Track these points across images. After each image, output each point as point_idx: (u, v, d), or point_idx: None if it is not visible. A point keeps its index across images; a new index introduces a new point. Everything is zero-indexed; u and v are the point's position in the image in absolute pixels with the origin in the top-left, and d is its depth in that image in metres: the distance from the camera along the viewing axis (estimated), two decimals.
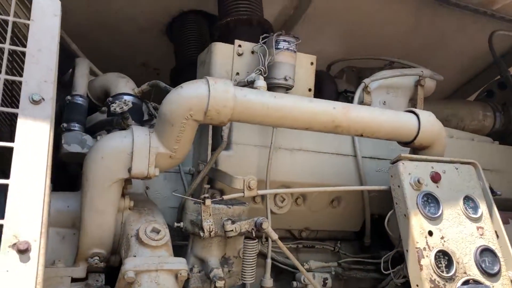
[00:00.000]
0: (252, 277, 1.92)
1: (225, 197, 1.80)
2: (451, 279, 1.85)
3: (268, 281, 2.06)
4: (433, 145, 2.15)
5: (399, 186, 1.98)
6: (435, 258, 1.86)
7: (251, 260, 1.83)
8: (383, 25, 3.58)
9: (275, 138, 2.16)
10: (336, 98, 2.85)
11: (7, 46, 1.36)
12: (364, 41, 3.71)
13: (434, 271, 1.84)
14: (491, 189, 2.22)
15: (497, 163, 2.84)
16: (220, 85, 1.72)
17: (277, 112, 1.82)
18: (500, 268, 1.95)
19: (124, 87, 2.19)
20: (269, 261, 2.09)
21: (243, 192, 1.81)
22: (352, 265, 2.47)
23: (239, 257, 1.91)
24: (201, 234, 1.74)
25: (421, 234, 1.89)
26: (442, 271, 1.85)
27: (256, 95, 1.80)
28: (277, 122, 1.86)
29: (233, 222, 1.78)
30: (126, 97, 2.11)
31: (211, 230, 1.74)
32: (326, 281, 2.24)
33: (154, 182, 2.20)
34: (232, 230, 1.76)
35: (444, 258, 1.89)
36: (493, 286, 1.90)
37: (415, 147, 2.15)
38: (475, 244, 1.96)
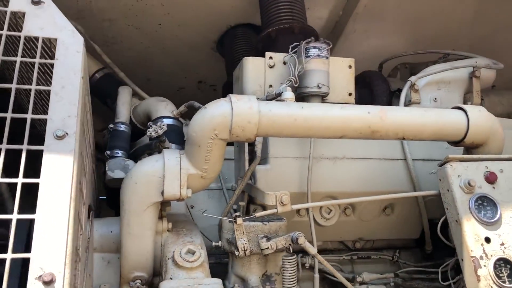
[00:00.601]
0: None
1: (257, 214, 1.78)
2: None
3: None
4: (488, 142, 1.96)
5: (448, 190, 1.83)
6: (495, 267, 1.69)
7: (290, 277, 1.78)
8: (442, 15, 3.35)
9: (315, 148, 2.10)
10: (389, 99, 2.71)
11: (33, 87, 1.45)
12: (423, 34, 3.50)
13: (494, 282, 1.67)
14: None
15: None
16: (243, 101, 1.70)
17: (306, 122, 1.77)
18: None
19: (163, 110, 2.26)
20: (316, 276, 2.03)
21: (276, 208, 1.77)
22: (413, 274, 2.32)
23: (281, 273, 1.87)
24: (236, 253, 1.73)
25: (476, 241, 1.73)
26: (504, 282, 1.67)
27: (281, 108, 1.76)
28: (308, 133, 1.80)
29: (268, 239, 1.75)
30: (164, 120, 2.17)
31: (245, 248, 1.72)
32: None
33: (198, 200, 2.24)
34: (268, 248, 1.73)
35: (506, 266, 1.71)
36: None
37: (467, 146, 1.97)
38: None
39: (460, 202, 1.78)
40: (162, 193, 1.71)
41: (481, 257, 1.70)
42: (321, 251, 2.36)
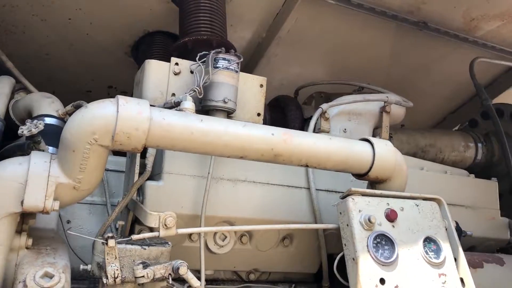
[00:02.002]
0: None
1: (134, 236, 1.54)
2: None
3: None
4: (392, 178, 1.90)
5: (347, 225, 1.72)
6: None
7: None
8: (361, 51, 3.40)
9: (215, 167, 1.92)
10: (301, 126, 2.62)
11: None
12: (342, 67, 3.52)
13: None
14: (458, 228, 1.96)
15: (473, 199, 2.58)
16: (132, 105, 1.49)
17: (204, 137, 1.58)
18: None
19: (47, 108, 1.96)
20: None
21: (159, 232, 1.55)
22: None
23: None
24: (105, 280, 1.48)
25: (370, 281, 1.62)
26: None
27: (177, 118, 1.56)
28: (205, 149, 1.62)
29: (146, 266, 1.51)
30: (46, 119, 1.89)
31: (116, 275, 1.47)
32: None
33: (76, 215, 1.96)
34: (144, 276, 1.49)
35: None
36: None
37: (371, 180, 1.90)
38: None
39: (358, 239, 1.68)
40: (22, 202, 1.43)
41: None
42: (212, 281, 2.16)
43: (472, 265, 2.19)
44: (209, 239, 1.98)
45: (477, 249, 2.59)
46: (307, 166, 1.77)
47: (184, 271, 1.51)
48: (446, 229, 1.86)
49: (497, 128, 3.13)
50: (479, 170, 3.40)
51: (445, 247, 1.80)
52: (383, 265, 1.66)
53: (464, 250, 1.85)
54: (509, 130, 3.29)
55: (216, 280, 2.17)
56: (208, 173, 1.88)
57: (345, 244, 1.73)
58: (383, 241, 1.71)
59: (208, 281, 2.14)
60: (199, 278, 1.87)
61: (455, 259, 1.82)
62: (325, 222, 2.05)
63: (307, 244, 2.17)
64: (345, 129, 2.33)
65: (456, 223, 1.99)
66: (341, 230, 1.76)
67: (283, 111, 2.63)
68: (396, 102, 2.42)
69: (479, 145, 3.39)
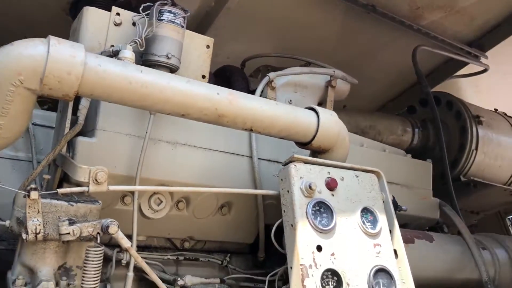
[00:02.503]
0: None
1: (60, 190, 1.42)
2: None
3: None
4: (334, 149, 1.89)
5: (288, 191, 1.69)
6: (322, 278, 1.58)
7: (93, 272, 1.44)
8: (310, 30, 3.37)
9: (154, 127, 1.82)
10: None
11: None
12: (290, 45, 3.47)
13: None
14: (395, 203, 1.99)
15: (408, 178, 2.65)
16: (65, 46, 1.36)
17: (143, 88, 1.48)
18: None
19: None
20: (130, 274, 1.72)
21: (88, 186, 1.44)
22: (241, 282, 2.15)
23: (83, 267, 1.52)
24: (24, 236, 1.35)
25: (307, 248, 1.60)
26: None
27: (115, 66, 1.45)
28: (144, 102, 1.51)
29: (72, 223, 1.40)
30: None
31: (37, 231, 1.35)
32: None
33: None
34: (69, 233, 1.38)
35: (333, 278, 1.61)
36: None
37: (313, 149, 1.88)
38: (370, 264, 1.70)
39: (298, 205, 1.65)
40: None
41: (310, 266, 1.58)
42: (144, 248, 2.07)
43: (405, 240, 2.23)
44: (143, 203, 1.88)
45: (409, 226, 2.67)
46: (251, 130, 1.72)
47: (114, 230, 1.42)
48: (383, 202, 1.89)
49: (434, 115, 3.24)
50: (414, 154, 3.52)
51: (382, 219, 1.81)
52: (320, 232, 1.65)
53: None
54: (445, 118, 3.42)
55: (149, 247, 2.08)
56: (146, 132, 1.77)
57: (284, 211, 1.70)
58: (322, 209, 1.70)
59: (140, 247, 2.04)
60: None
61: (390, 231, 1.85)
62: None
63: (245, 213, 2.13)
64: (290, 100, 2.30)
65: (393, 197, 2.02)
66: (281, 196, 1.73)
67: (229, 80, 2.56)
68: (342, 77, 2.41)
69: (416, 130, 3.49)
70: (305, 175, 1.72)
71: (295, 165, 1.71)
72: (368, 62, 3.79)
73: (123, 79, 1.44)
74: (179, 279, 1.89)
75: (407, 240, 2.24)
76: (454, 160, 3.51)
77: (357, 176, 1.84)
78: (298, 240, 1.60)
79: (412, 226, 2.65)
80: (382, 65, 3.85)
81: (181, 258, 2.08)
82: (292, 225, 1.64)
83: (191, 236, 2.12)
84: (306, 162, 1.76)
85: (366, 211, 1.80)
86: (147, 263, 1.89)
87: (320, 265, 1.59)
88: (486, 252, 2.57)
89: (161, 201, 1.92)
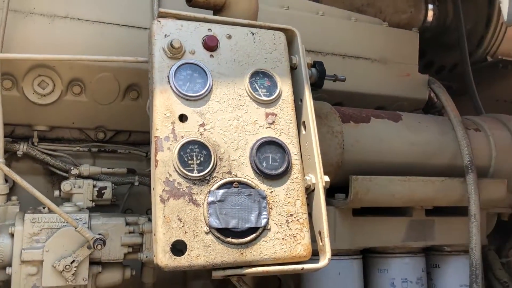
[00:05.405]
0: None
1: None
2: (201, 180, 1.30)
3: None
4: (230, 4, 1.53)
5: (151, 54, 1.39)
6: (183, 152, 1.30)
7: None
8: None
9: None
10: None
11: None
12: None
13: (175, 169, 1.28)
14: (322, 69, 1.60)
15: (383, 52, 2.19)
16: None
17: None
18: (288, 169, 1.37)
19: None
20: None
21: None
22: None
23: None
24: None
25: (166, 118, 1.32)
26: (192, 170, 1.29)
27: None
28: None
29: None
30: None
31: None
32: (103, 191, 1.72)
33: None
34: None
35: (201, 153, 1.32)
36: (271, 192, 1.35)
37: (200, 4, 1.53)
38: (256, 136, 1.38)
39: (158, 68, 1.35)
40: None
41: (167, 138, 1.30)
42: (54, 140, 1.92)
43: (354, 119, 1.86)
44: (26, 87, 1.69)
45: (386, 109, 2.24)
46: None
47: None
48: (295, 67, 1.52)
49: None
50: (429, 36, 2.97)
51: (284, 85, 1.46)
52: (187, 99, 1.35)
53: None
54: None
55: (60, 139, 1.92)
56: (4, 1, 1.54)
57: (149, 77, 1.41)
58: (197, 73, 1.39)
59: (49, 139, 1.90)
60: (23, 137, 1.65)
61: (301, 100, 1.49)
62: None
63: None
64: None
65: (321, 63, 1.63)
66: (148, 62, 1.43)
67: None
68: None
69: (430, 6, 2.94)
70: (173, 32, 1.39)
71: (159, 21, 1.39)
72: None
73: None
74: (72, 167, 1.72)
75: (357, 120, 1.86)
76: (480, 38, 2.93)
77: (253, 34, 1.48)
78: (155, 110, 1.32)
79: (390, 110, 2.22)
80: None
81: (94, 149, 1.91)
82: (152, 92, 1.36)
83: (102, 126, 1.93)
84: (178, 17, 1.42)
85: (261, 75, 1.45)
86: (52, 155, 1.75)
87: (182, 136, 1.31)
88: (480, 133, 2.08)
89: (47, 84, 1.71)
